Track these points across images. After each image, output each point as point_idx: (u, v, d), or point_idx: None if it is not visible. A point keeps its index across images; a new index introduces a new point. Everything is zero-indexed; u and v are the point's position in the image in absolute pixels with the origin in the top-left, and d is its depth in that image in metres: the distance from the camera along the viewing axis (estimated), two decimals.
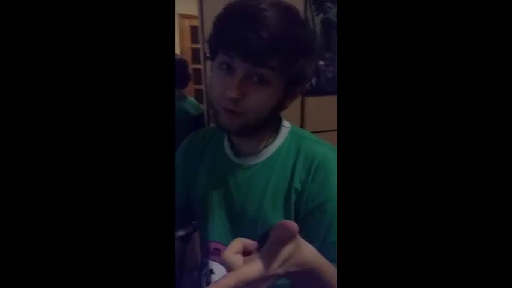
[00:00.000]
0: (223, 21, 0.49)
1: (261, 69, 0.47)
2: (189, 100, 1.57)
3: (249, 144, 0.58)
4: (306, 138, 0.57)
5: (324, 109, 1.17)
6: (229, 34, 0.47)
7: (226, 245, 0.58)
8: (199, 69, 1.35)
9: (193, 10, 1.38)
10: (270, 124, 0.56)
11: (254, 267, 0.29)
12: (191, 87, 2.27)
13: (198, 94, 2.18)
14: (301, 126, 1.15)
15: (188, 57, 2.58)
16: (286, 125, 0.60)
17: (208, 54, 0.56)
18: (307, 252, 0.33)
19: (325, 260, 0.36)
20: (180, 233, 0.86)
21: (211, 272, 0.59)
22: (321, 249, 0.36)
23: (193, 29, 2.69)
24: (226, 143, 0.62)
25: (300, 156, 0.54)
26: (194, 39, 2.64)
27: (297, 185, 0.52)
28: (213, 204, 0.60)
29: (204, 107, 1.36)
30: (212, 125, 0.79)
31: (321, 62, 1.23)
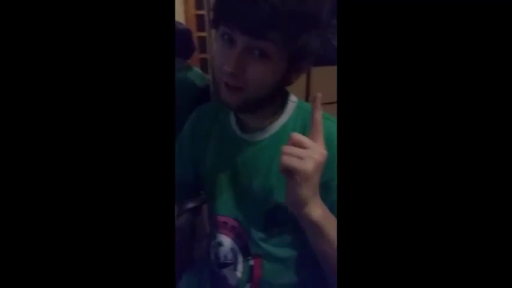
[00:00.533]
0: None
1: (262, 42, 0.44)
2: (194, 71, 1.54)
3: (255, 119, 0.57)
4: None
5: (331, 80, 1.13)
6: (229, 4, 0.45)
7: (233, 219, 0.59)
8: (204, 37, 1.30)
9: None
10: (275, 99, 0.55)
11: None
12: (196, 56, 2.22)
13: (204, 63, 2.14)
14: (307, 98, 1.12)
15: (193, 25, 2.50)
16: (293, 99, 0.58)
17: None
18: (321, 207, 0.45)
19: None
20: (189, 205, 0.88)
21: (220, 244, 0.61)
22: None
23: None
24: (232, 118, 0.61)
25: (306, 133, 0.53)
26: (199, 4, 2.53)
27: None
28: (220, 179, 0.61)
29: (209, 77, 1.34)
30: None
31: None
